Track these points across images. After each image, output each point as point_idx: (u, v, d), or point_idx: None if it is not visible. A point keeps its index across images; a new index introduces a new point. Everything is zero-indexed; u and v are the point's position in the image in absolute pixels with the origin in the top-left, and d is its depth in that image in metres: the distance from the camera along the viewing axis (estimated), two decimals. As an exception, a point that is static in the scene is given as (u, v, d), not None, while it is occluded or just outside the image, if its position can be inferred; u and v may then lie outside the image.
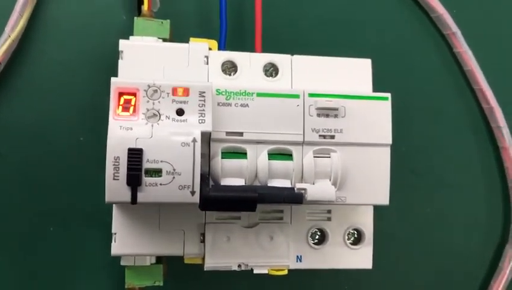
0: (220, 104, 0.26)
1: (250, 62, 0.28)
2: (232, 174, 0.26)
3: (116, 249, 0.26)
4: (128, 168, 0.23)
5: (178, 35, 0.28)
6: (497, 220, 0.36)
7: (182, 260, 0.27)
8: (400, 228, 0.34)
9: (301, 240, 0.28)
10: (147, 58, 0.27)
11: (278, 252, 0.28)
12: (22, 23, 0.30)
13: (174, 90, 0.25)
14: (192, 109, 0.25)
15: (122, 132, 0.24)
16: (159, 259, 0.28)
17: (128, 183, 0.23)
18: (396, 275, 0.35)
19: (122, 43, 0.27)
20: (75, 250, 0.31)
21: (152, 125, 0.24)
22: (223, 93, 0.26)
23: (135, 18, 0.28)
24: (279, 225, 0.28)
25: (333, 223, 0.29)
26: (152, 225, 0.27)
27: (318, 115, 0.27)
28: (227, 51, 0.28)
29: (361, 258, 0.29)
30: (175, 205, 0.25)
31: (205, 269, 0.27)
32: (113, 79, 0.25)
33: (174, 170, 0.24)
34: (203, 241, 0.27)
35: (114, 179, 0.23)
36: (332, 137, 0.27)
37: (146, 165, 0.23)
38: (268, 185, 0.26)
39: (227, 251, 0.27)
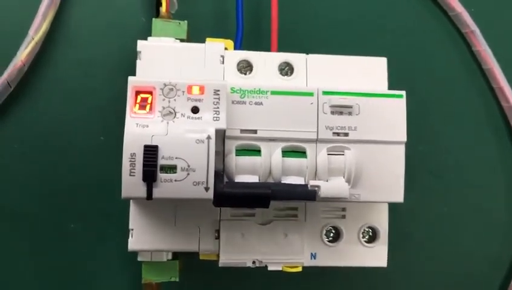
0: (235, 102, 0.26)
1: (266, 61, 0.28)
2: (246, 171, 0.26)
3: (133, 244, 0.27)
4: (144, 164, 0.24)
5: (195, 36, 0.29)
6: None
7: (197, 256, 0.28)
8: (417, 227, 0.34)
9: (315, 238, 0.28)
10: (164, 58, 0.27)
11: (292, 249, 0.28)
12: (45, 26, 0.30)
13: (189, 89, 0.25)
14: (207, 106, 0.25)
15: (139, 129, 0.24)
16: (176, 255, 0.29)
17: (144, 179, 0.24)
18: (411, 275, 0.34)
19: (140, 43, 0.27)
20: (94, 246, 0.31)
21: (167, 123, 0.25)
22: (238, 91, 0.26)
23: (153, 19, 0.28)
24: (294, 223, 0.28)
25: (348, 221, 0.29)
26: (168, 222, 0.27)
27: (332, 113, 0.27)
28: (243, 50, 0.28)
29: (376, 256, 0.29)
30: (190, 201, 0.25)
31: (220, 265, 0.27)
32: (130, 78, 0.25)
33: (188, 166, 0.24)
34: (218, 237, 0.27)
35: (130, 175, 0.24)
36: (346, 135, 0.27)
37: (161, 161, 0.24)
38: (282, 182, 0.26)
39: (241, 247, 0.27)
